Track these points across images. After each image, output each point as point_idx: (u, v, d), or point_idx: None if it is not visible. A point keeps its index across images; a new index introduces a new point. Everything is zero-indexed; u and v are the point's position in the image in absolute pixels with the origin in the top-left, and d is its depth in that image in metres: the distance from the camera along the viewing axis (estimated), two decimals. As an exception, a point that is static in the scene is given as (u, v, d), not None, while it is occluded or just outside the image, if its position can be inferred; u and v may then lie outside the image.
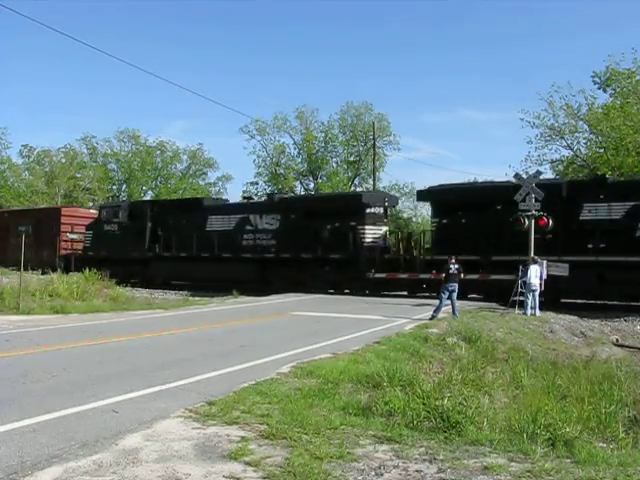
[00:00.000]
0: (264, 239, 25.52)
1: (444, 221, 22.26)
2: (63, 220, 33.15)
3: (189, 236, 26.64)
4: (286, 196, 33.90)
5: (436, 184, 23.85)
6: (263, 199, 34.89)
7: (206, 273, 26.34)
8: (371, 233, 23.54)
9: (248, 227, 26.03)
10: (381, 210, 24.44)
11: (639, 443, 6.75)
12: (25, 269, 30.67)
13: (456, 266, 15.44)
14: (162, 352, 9.79)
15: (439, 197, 22.84)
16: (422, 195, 25.01)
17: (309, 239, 23.65)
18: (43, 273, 28.46)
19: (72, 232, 32.96)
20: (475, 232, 20.51)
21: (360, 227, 23.15)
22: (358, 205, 23.43)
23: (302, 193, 48.86)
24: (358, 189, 48.11)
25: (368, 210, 23.46)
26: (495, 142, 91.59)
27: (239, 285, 23.71)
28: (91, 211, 35.76)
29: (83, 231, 32.40)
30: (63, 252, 32.10)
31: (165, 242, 28.01)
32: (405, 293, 22.12)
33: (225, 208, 28.72)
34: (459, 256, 16.19)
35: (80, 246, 32.25)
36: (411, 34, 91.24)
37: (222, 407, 6.19)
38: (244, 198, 33.52)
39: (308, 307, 17.62)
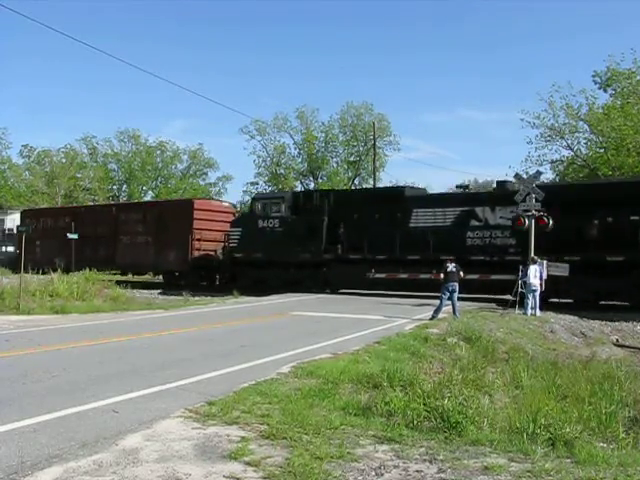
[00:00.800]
0: (499, 237, 20.69)
1: None
2: (196, 215, 27.58)
3: (387, 234, 21.79)
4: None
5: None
6: (491, 188, 27.94)
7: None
8: None
9: (474, 223, 21.25)
10: None
11: (639, 443, 6.74)
12: (145, 273, 28.86)
13: (453, 264, 15.46)
14: (162, 352, 9.79)
15: None
16: None
17: (569, 237, 18.89)
18: (168, 285, 25.75)
19: (72, 232, 31.20)
20: None
21: None
22: None
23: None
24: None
25: None
26: (495, 142, 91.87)
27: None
28: (224, 204, 31.42)
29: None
30: (196, 254, 27.20)
31: (350, 241, 23.00)
32: (405, 293, 22.00)
33: (436, 200, 23.57)
34: None
35: (198, 246, 27.31)
36: (411, 34, 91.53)
37: (222, 407, 6.19)
38: (459, 187, 27.91)
39: (308, 307, 17.62)
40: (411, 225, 22.17)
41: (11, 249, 35.26)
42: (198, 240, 27.03)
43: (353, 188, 27.37)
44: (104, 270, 30.06)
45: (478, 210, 21.24)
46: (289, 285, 23.54)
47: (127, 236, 29.16)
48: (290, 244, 23.65)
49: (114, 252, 29.08)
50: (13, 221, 36.83)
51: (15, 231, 34.83)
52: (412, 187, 25.77)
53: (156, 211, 29.69)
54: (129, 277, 31.03)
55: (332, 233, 23.53)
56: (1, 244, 35.03)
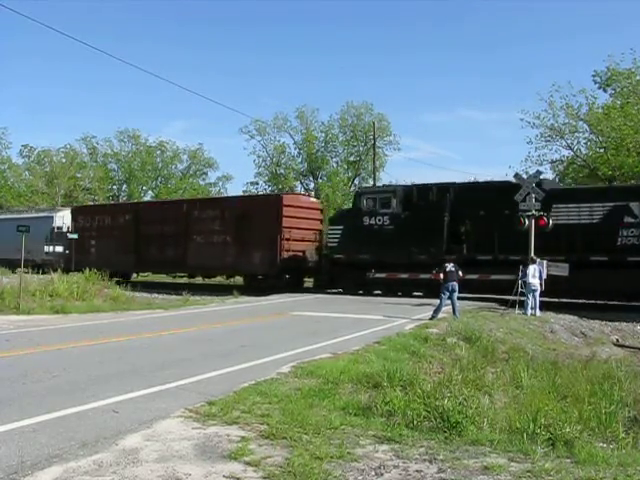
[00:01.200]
0: None
1: None
2: (285, 212, 24.71)
3: (521, 233, 18.71)
4: None
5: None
6: None
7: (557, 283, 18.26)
8: None
9: (628, 219, 18.87)
10: None
11: (639, 443, 6.74)
12: (228, 276, 27.13)
13: (452, 264, 15.48)
14: (162, 352, 9.79)
15: None
16: None
17: None
18: (249, 289, 23.38)
19: (72, 232, 29.77)
20: None
21: None
22: None
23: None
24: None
25: None
26: (495, 142, 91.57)
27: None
28: (312, 200, 28.78)
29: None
30: (285, 255, 24.50)
31: (476, 241, 20.68)
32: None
33: (580, 194, 21.24)
34: None
35: (287, 246, 24.70)
36: (411, 34, 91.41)
37: (222, 407, 6.19)
38: (604, 180, 24.00)
39: (308, 307, 17.62)
40: (550, 222, 19.46)
41: (59, 249, 33.40)
42: (287, 240, 24.52)
43: (478, 181, 26.05)
44: (173, 272, 29.05)
45: (633, 205, 18.87)
46: (399, 287, 21.98)
47: (201, 235, 26.65)
48: (404, 244, 21.59)
49: (184, 253, 26.67)
50: (62, 219, 34.78)
51: (64, 230, 32.87)
52: (549, 180, 22.90)
53: (237, 208, 26.73)
54: (197, 280, 29.54)
55: (453, 231, 21.37)
56: (50, 244, 33.46)
